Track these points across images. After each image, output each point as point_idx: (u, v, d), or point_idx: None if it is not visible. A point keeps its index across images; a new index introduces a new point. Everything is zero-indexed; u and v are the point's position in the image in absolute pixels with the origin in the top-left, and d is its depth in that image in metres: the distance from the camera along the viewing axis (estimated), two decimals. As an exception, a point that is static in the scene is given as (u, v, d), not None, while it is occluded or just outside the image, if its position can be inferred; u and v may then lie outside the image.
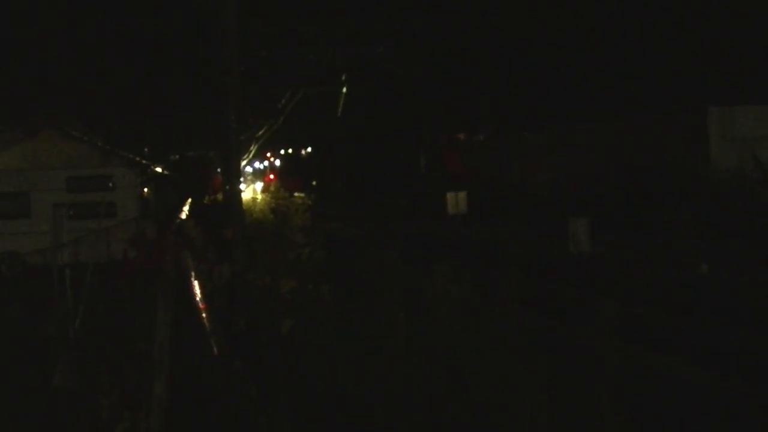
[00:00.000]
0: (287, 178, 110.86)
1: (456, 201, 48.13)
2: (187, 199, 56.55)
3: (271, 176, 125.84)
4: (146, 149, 59.20)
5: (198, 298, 10.98)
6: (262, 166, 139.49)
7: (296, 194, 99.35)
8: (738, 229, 29.26)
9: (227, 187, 22.09)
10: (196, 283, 12.13)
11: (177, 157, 72.65)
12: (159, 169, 56.05)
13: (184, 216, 37.86)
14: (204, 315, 9.71)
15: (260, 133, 51.97)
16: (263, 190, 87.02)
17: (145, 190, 49.37)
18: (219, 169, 56.83)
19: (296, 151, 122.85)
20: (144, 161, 50.05)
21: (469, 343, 10.84)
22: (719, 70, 38.55)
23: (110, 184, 40.97)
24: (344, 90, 68.44)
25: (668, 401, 12.69)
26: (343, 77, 65.03)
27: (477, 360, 10.48)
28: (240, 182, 20.69)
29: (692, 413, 12.22)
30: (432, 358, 10.89)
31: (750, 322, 18.72)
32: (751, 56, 37.29)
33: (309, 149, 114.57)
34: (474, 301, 11.66)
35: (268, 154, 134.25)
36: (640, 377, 11.90)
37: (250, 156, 60.28)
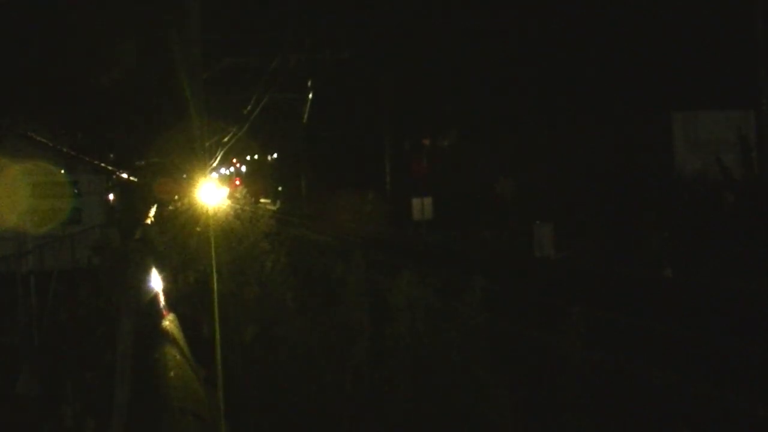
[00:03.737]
0: (253, 184, 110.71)
1: (422, 207, 48.19)
2: (153, 205, 56.39)
3: (237, 182, 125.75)
4: (111, 155, 58.99)
5: (162, 305, 10.96)
6: (228, 172, 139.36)
7: (262, 200, 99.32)
8: (702, 233, 29.43)
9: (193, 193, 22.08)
10: (160, 291, 12.11)
11: (142, 163, 72.44)
12: (124, 176, 55.90)
13: (149, 222, 37.76)
14: (167, 322, 9.69)
15: (226, 139, 51.82)
16: (229, 196, 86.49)
17: (111, 196, 49.19)
18: (185, 175, 56.73)
19: (262, 156, 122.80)
20: (109, 168, 49.86)
21: (434, 349, 10.84)
22: (683, 76, 38.70)
23: (75, 191, 40.72)
24: (310, 96, 68.46)
25: (633, 403, 12.75)
26: (309, 83, 65.07)
27: (442, 365, 10.49)
28: (209, 188, 20.69)
29: (657, 415, 12.28)
30: (398, 364, 10.89)
31: (713, 325, 18.84)
32: (714, 61, 37.48)
33: (275, 155, 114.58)
34: (439, 306, 11.66)
35: (234, 160, 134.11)
36: (604, 380, 11.95)
37: (216, 162, 60.12)
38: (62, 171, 41.10)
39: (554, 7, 46.66)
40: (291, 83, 56.00)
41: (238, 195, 20.18)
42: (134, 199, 60.62)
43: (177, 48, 31.43)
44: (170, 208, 53.54)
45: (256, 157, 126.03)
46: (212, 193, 21.89)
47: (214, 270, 13.36)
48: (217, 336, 9.64)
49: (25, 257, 24.26)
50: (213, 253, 14.92)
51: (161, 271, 15.47)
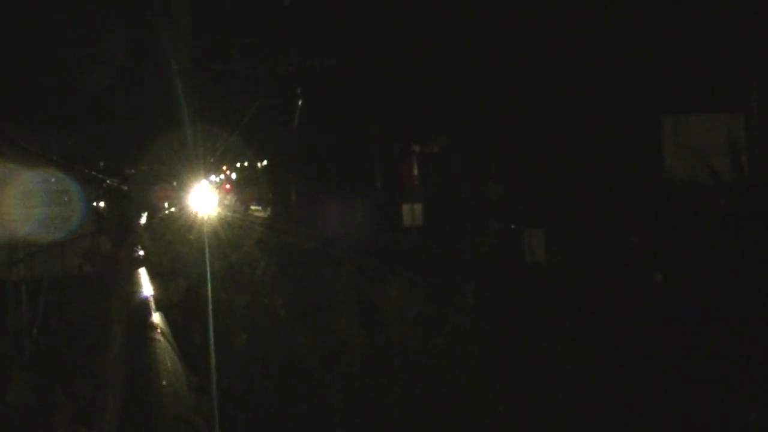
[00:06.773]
0: (243, 191, 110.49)
1: (412, 213, 48.10)
2: (143, 213, 56.31)
3: (228, 186, 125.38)
4: (101, 163, 58.85)
5: (152, 313, 10.99)
6: (218, 180, 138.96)
7: (252, 207, 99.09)
8: (693, 238, 29.42)
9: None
10: (151, 298, 12.14)
11: (132, 171, 72.25)
12: (115, 183, 55.78)
13: (139, 231, 37.72)
14: (159, 330, 9.73)
15: (217, 145, 51.83)
16: (219, 204, 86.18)
17: (101, 204, 49.09)
18: (175, 183, 56.65)
19: (252, 164, 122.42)
20: (99, 175, 49.76)
21: (424, 354, 10.85)
22: (672, 79, 38.64)
23: (65, 199, 40.62)
24: (299, 102, 68.32)
25: (623, 408, 12.77)
26: (298, 89, 64.93)
27: (432, 371, 10.50)
28: (200, 196, 20.67)
29: (645, 419, 12.30)
30: (388, 370, 10.90)
31: (703, 330, 18.86)
32: (703, 64, 37.43)
33: (265, 162, 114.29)
34: (429, 312, 11.66)
35: (224, 167, 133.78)
36: (594, 385, 11.96)
37: (208, 169, 59.97)
38: (53, 179, 40.95)
39: (542, 11, 46.66)
40: (281, 89, 55.98)
41: (227, 202, 20.20)
42: (124, 206, 60.47)
43: (168, 53, 31.43)
44: (161, 216, 53.47)
45: (246, 164, 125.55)
46: (203, 200, 21.87)
47: (209, 277, 13.40)
48: (211, 345, 9.67)
49: (16, 265, 24.21)
50: (207, 260, 14.96)
51: (152, 278, 15.50)
